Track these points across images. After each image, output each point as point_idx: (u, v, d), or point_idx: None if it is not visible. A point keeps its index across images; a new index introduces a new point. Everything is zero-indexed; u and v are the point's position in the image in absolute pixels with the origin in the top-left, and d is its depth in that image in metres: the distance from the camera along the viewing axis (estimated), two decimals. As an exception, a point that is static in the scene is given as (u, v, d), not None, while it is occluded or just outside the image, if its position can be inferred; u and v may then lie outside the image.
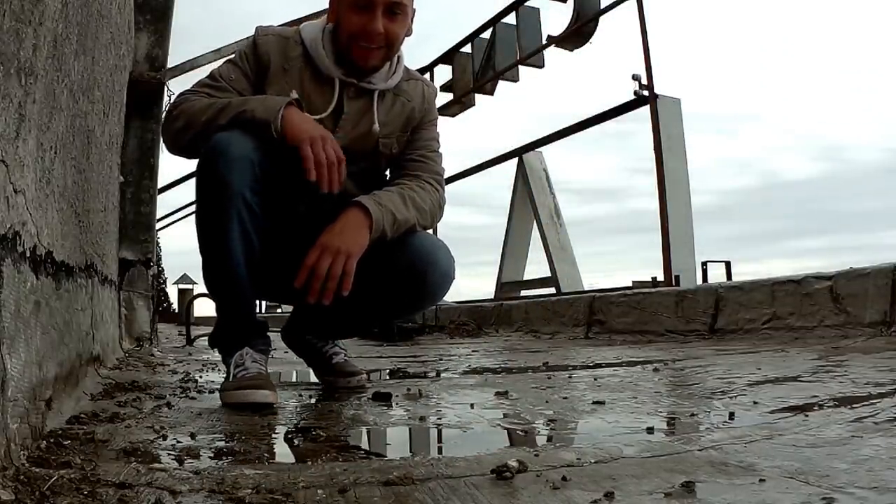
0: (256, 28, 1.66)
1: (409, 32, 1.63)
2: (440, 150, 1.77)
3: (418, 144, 1.73)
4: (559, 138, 5.94)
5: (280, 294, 1.99)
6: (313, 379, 1.92)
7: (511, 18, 6.46)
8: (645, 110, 4.73)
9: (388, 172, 1.77)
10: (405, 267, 1.58)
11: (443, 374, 2.25)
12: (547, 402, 1.45)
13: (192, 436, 1.09)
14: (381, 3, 1.52)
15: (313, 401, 1.60)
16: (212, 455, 0.96)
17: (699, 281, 4.49)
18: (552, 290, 5.91)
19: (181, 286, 24.10)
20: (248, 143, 1.45)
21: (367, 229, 1.49)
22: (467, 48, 7.18)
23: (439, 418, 1.31)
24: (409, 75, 1.74)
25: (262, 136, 1.46)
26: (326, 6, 1.66)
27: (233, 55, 1.69)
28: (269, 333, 1.64)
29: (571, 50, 5.94)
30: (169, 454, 0.95)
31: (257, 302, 2.01)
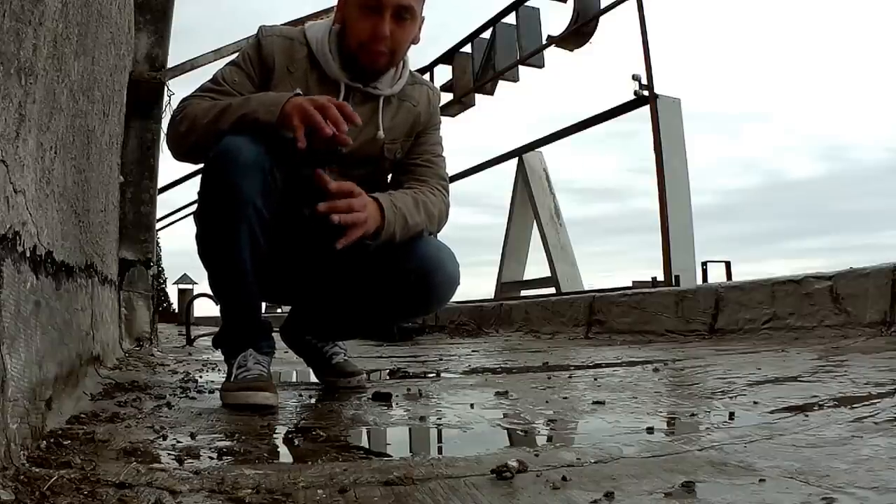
0: (260, 28, 1.63)
1: (415, 40, 1.61)
2: (443, 154, 1.77)
3: (423, 149, 1.72)
4: (559, 138, 5.94)
5: (281, 295, 1.99)
6: (313, 379, 1.92)
7: (511, 18, 6.45)
8: (645, 110, 4.73)
9: (389, 177, 1.76)
10: (411, 271, 1.57)
11: (443, 374, 2.25)
12: (547, 402, 1.45)
13: (192, 436, 1.09)
14: (389, 6, 1.50)
15: (313, 401, 1.60)
16: (212, 455, 0.96)
17: (699, 281, 4.49)
18: (552, 290, 5.91)
19: (181, 286, 24.11)
20: (258, 148, 1.43)
21: (377, 227, 1.49)
22: (467, 48, 7.18)
23: (439, 418, 1.31)
24: (414, 79, 1.72)
25: (269, 139, 1.44)
26: (329, 5, 1.65)
27: (235, 55, 1.66)
28: (273, 333, 1.64)
29: (571, 50, 5.94)
30: (169, 454, 0.95)
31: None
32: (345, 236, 1.43)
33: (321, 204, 1.43)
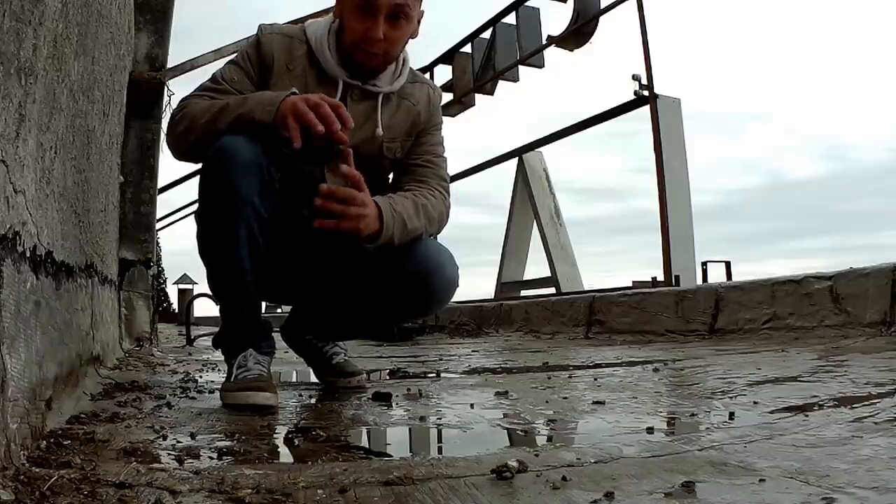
0: (259, 26, 1.62)
1: (414, 35, 1.60)
2: (445, 155, 1.76)
3: (424, 149, 1.70)
4: (559, 138, 5.95)
5: (281, 295, 1.99)
6: (313, 379, 1.92)
7: (511, 18, 6.46)
8: (645, 110, 4.73)
9: (390, 177, 1.76)
10: (410, 273, 1.57)
11: (443, 374, 2.25)
12: (547, 402, 1.45)
13: (192, 436, 1.09)
14: (384, 7, 1.48)
15: (313, 401, 1.60)
16: (212, 455, 0.96)
17: (699, 281, 4.49)
18: (552, 290, 5.91)
19: (181, 286, 24.12)
20: (256, 148, 1.43)
21: (374, 231, 1.48)
22: (467, 48, 7.18)
23: (439, 418, 1.31)
24: (415, 77, 1.71)
25: (267, 138, 1.43)
26: (331, 4, 1.64)
27: (235, 54, 1.66)
28: (273, 333, 1.64)
29: (571, 50, 5.94)
30: (169, 454, 0.95)
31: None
32: (331, 221, 1.39)
33: (323, 185, 1.40)
